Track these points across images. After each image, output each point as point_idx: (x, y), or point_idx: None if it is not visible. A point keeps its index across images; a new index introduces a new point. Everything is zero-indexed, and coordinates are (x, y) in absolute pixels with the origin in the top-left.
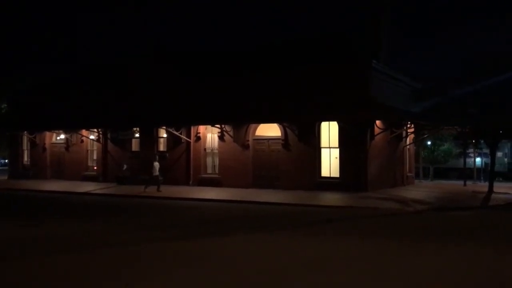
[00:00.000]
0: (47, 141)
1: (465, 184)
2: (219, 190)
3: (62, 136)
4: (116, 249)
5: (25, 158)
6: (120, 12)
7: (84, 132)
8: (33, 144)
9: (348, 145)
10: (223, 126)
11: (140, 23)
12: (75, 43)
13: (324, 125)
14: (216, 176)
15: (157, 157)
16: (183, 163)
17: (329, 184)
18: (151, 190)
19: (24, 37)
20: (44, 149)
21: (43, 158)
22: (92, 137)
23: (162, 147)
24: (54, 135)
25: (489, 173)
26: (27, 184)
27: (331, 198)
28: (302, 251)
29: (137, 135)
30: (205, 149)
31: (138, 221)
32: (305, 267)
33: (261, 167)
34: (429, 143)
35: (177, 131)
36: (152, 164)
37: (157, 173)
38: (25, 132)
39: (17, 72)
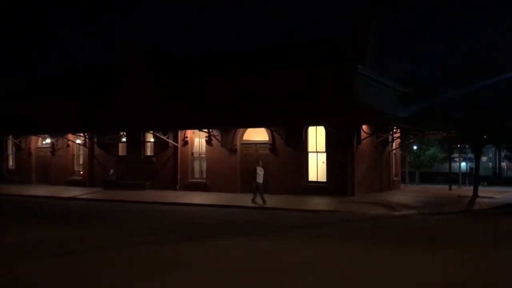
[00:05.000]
0: (32, 146)
1: (450, 189)
2: (207, 194)
3: (48, 141)
4: (109, 253)
5: (10, 163)
6: (106, 16)
7: (70, 136)
8: (18, 148)
9: (335, 149)
10: (210, 130)
11: (127, 27)
12: (62, 46)
13: (311, 129)
14: (204, 180)
15: (261, 162)
16: (170, 168)
17: (316, 188)
18: (259, 200)
19: (7, 40)
20: (30, 153)
21: (28, 163)
22: (78, 141)
23: (149, 151)
24: (40, 139)
25: (474, 178)
26: (12, 189)
27: (318, 203)
28: (287, 255)
29: (123, 139)
30: (192, 154)
31: (126, 226)
32: (288, 270)
33: (248, 171)
34: (415, 147)
35: (164, 135)
36: (255, 170)
37: (260, 180)
38: (10, 136)
39: (1, 75)
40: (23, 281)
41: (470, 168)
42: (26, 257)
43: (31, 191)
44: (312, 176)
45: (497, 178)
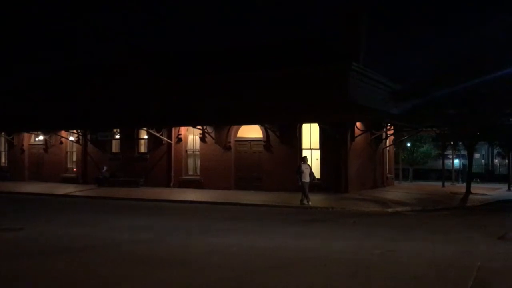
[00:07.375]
0: (25, 142)
1: (443, 185)
2: (201, 192)
3: (41, 137)
4: (103, 250)
5: (3, 160)
6: (99, 12)
7: (63, 133)
8: (10, 145)
9: (329, 146)
10: (204, 127)
11: (120, 24)
12: (54, 44)
13: (305, 126)
14: (198, 177)
15: (306, 157)
16: (164, 165)
17: (311, 185)
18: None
19: (2, 37)
20: (22, 150)
21: (21, 160)
22: (71, 138)
23: (142, 148)
24: (33, 136)
25: (467, 175)
26: (4, 186)
27: (312, 199)
28: (285, 251)
29: (117, 136)
30: (186, 151)
31: (120, 224)
32: (286, 266)
33: (243, 168)
34: (408, 144)
35: (158, 132)
36: (300, 167)
37: (306, 179)
38: (3, 133)
39: None
40: (10, 281)
41: (463, 165)
42: (15, 256)
43: (23, 188)
44: None
45: (490, 175)
